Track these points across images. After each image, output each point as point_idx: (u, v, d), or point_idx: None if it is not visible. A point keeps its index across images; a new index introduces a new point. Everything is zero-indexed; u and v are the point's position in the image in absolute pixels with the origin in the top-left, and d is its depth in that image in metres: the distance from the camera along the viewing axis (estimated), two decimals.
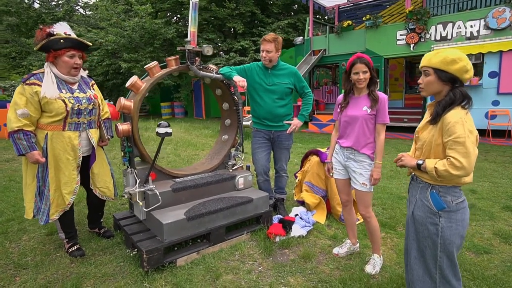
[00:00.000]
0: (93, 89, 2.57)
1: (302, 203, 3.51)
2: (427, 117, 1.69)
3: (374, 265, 2.40)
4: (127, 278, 2.25)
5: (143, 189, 2.51)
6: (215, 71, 2.96)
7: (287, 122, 3.14)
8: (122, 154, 2.68)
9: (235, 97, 3.18)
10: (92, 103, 2.45)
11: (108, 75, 15.01)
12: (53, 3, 16.86)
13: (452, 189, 1.59)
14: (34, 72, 2.30)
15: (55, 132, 2.30)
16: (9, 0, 15.79)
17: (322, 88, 13.29)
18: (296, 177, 3.81)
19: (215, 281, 2.28)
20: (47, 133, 2.29)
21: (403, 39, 9.35)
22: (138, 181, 2.54)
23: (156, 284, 2.19)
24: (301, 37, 12.24)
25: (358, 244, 2.69)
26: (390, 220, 3.26)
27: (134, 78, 2.62)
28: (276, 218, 3.10)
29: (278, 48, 3.02)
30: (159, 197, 2.50)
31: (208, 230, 2.58)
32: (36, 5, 16.53)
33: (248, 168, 3.27)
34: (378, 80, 2.35)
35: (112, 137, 2.78)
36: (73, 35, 2.35)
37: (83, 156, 2.48)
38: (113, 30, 12.60)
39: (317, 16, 15.77)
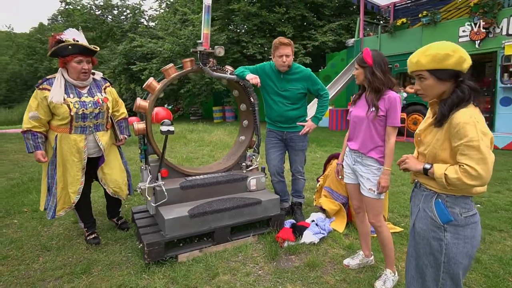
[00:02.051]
0: (105, 93, 2.62)
1: (324, 209, 3.34)
2: (429, 117, 1.48)
3: (384, 281, 2.17)
4: (130, 268, 2.37)
5: (152, 185, 2.63)
6: (229, 72, 2.99)
7: (301, 123, 3.03)
8: (139, 152, 2.85)
9: (252, 98, 3.17)
10: (98, 107, 2.50)
11: None
12: (122, 17, 18.76)
13: (462, 199, 1.36)
14: (48, 77, 2.44)
15: (63, 134, 2.43)
16: (88, 17, 18.00)
17: None
18: (318, 181, 3.65)
19: (211, 279, 2.28)
20: (56, 135, 2.44)
21: (467, 36, 8.40)
22: (149, 177, 2.66)
23: (154, 277, 2.27)
24: (353, 39, 11.77)
25: (372, 257, 2.47)
26: None
27: (150, 80, 2.77)
28: (288, 222, 3.00)
29: (293, 51, 2.95)
30: (165, 194, 2.59)
31: (212, 229, 2.60)
32: (109, 20, 18.54)
33: (263, 170, 3.22)
34: (373, 85, 2.07)
35: (129, 135, 2.93)
36: (82, 41, 2.41)
37: (93, 157, 2.59)
38: (170, 39, 13.51)
39: (370, 17, 14.99)
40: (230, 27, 15.29)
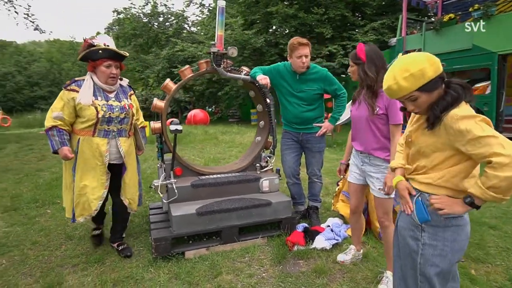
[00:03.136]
0: (130, 99, 2.58)
1: (342, 215, 3.20)
2: (419, 119, 1.38)
3: (387, 283, 2.11)
4: (139, 262, 2.47)
5: (165, 182, 2.72)
6: (243, 73, 3.00)
7: (317, 124, 2.94)
8: (156, 150, 2.96)
9: (267, 99, 3.14)
10: (124, 112, 2.46)
11: (205, 84, 16.65)
12: (167, 23, 19.79)
13: None
14: (77, 79, 2.42)
15: (86, 137, 2.37)
16: (136, 25, 19.27)
17: None
18: (338, 185, 3.50)
19: (214, 278, 2.29)
20: (79, 138, 2.37)
21: None
22: (162, 175, 2.76)
23: (160, 271, 2.34)
24: (395, 38, 11.17)
25: (362, 251, 2.52)
26: None
27: (166, 81, 2.88)
28: (301, 226, 2.92)
29: (311, 51, 2.87)
30: (176, 191, 2.66)
31: (219, 228, 2.61)
32: (155, 26, 19.68)
33: (277, 171, 3.18)
34: (365, 83, 1.96)
35: (145, 143, 2.84)
36: (112, 46, 2.40)
37: (113, 164, 2.49)
38: (209, 43, 13.93)
39: (417, 14, 14.12)
40: (270, 30, 15.38)
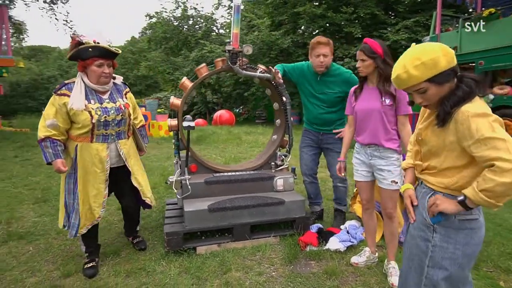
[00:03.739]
0: (126, 98, 2.41)
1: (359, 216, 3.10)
2: (430, 116, 1.31)
3: (397, 274, 2.13)
4: (152, 255, 2.53)
5: (179, 178, 2.77)
6: (259, 70, 2.99)
7: (336, 131, 2.92)
8: (173, 147, 3.03)
9: (283, 97, 3.11)
10: (121, 114, 2.29)
11: (232, 85, 16.86)
12: (196, 26, 20.27)
13: None
14: (66, 81, 2.23)
15: (84, 143, 2.22)
16: (167, 28, 19.92)
17: None
18: (356, 186, 3.39)
19: (223, 274, 2.30)
20: (77, 145, 2.22)
21: None
22: (177, 171, 2.81)
23: (171, 265, 2.39)
24: (429, 36, 10.66)
25: (377, 253, 2.43)
26: (480, 255, 2.52)
27: (183, 79, 2.94)
28: (315, 226, 2.85)
29: (332, 51, 2.82)
30: (189, 187, 2.70)
31: (231, 225, 2.62)
32: (185, 29, 20.24)
33: (293, 170, 3.13)
34: (384, 73, 2.00)
35: (147, 143, 2.76)
36: (103, 43, 2.19)
37: (113, 167, 2.35)
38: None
39: (455, 10, 13.38)
40: (299, 30, 15.27)
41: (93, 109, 2.18)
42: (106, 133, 2.27)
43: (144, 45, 25.11)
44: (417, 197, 1.34)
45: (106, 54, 2.20)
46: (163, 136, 8.82)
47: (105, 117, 2.22)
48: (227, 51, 2.84)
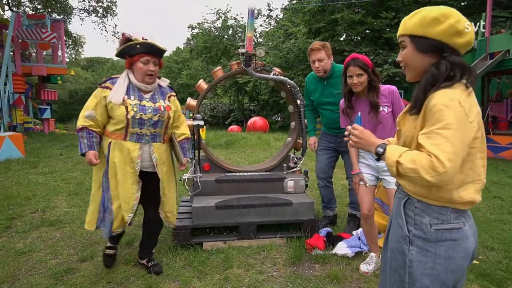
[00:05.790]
0: (169, 101, 2.31)
1: None
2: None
3: (368, 263, 2.33)
4: (161, 247, 2.65)
5: (191, 176, 2.88)
6: (273, 73, 3.03)
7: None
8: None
9: (298, 100, 3.12)
10: (158, 114, 2.18)
11: (269, 93, 17.00)
12: (236, 36, 20.86)
13: (436, 208, 1.07)
14: (113, 76, 2.24)
15: (117, 141, 2.16)
16: (207, 38, 20.75)
17: (507, 101, 10.22)
18: None
19: (224, 270, 2.34)
20: (110, 141, 2.17)
21: None
22: (190, 169, 2.93)
23: (176, 258, 2.48)
24: (476, 40, 9.93)
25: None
26: (502, 272, 2.32)
27: (200, 81, 3.08)
28: (324, 230, 2.79)
29: (329, 54, 2.88)
30: (199, 185, 2.80)
31: (237, 223, 2.66)
32: (224, 39, 20.94)
33: (305, 173, 3.10)
34: (377, 84, 2.08)
35: (191, 158, 2.67)
36: (151, 40, 2.17)
37: (146, 172, 2.23)
38: (273, 52, 14.26)
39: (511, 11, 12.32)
40: (340, 38, 15.05)
41: (130, 104, 2.13)
42: (141, 132, 2.17)
43: (187, 54, 26.33)
44: (395, 205, 1.22)
45: (153, 50, 2.16)
46: None
47: (141, 114, 2.14)
48: (240, 54, 2.93)
